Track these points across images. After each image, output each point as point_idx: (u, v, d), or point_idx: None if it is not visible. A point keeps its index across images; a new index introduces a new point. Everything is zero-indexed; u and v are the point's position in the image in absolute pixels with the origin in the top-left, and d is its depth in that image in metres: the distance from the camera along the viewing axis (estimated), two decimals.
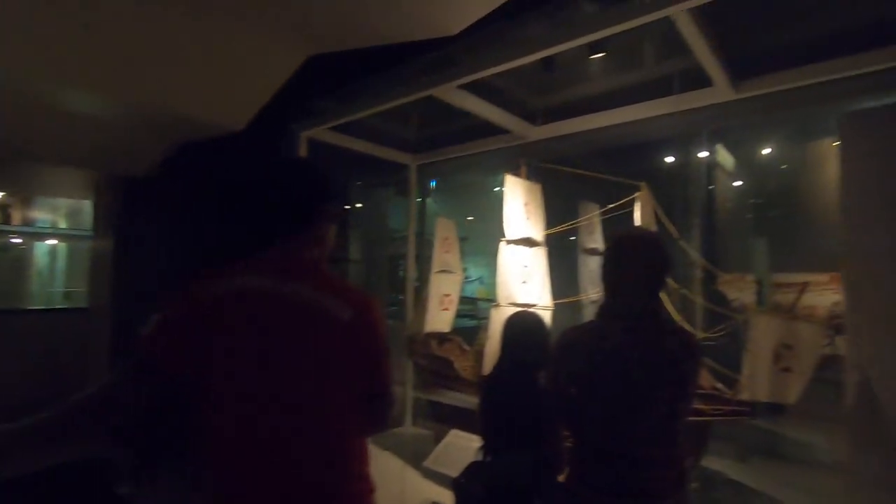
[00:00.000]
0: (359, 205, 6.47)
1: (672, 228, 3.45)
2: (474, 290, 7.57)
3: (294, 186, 1.49)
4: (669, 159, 4.65)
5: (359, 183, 6.29)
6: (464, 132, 4.63)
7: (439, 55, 2.97)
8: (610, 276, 1.72)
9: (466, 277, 7.55)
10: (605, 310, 1.74)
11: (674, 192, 4.71)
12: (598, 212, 3.64)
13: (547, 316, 3.63)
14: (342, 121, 3.91)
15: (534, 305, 3.61)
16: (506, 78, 3.86)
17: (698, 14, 2.54)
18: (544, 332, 2.12)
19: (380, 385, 1.40)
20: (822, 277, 3.53)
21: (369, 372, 1.37)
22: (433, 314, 4.10)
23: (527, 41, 2.62)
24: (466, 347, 3.95)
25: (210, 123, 4.21)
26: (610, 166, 4.20)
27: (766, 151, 6.31)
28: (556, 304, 3.78)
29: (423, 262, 5.12)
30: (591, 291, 4.15)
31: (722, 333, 3.05)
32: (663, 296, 3.43)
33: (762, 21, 3.22)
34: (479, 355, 3.63)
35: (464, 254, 7.59)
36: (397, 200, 6.10)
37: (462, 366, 3.81)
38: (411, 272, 4.86)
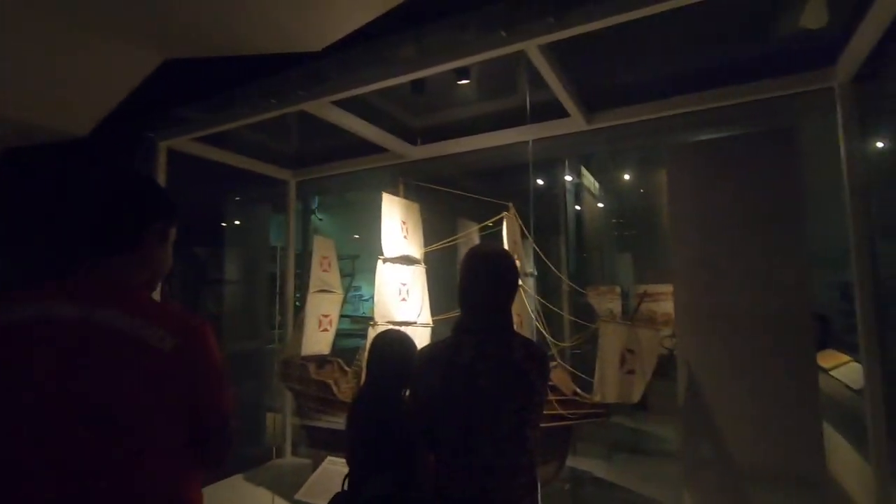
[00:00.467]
0: (237, 222, 6.07)
1: (535, 247, 3.71)
2: (367, 309, 7.45)
3: (117, 202, 1.34)
4: (540, 182, 5.01)
5: (237, 198, 5.91)
6: (344, 149, 4.58)
7: (309, 70, 2.92)
8: (462, 292, 1.78)
9: (360, 296, 7.41)
10: (459, 325, 1.79)
11: (545, 213, 5.09)
12: (473, 229, 3.80)
13: (426, 333, 3.67)
14: (209, 132, 3.65)
15: (412, 323, 3.63)
16: (383, 97, 3.91)
17: (548, 51, 2.80)
18: (409, 351, 2.13)
19: (215, 419, 1.29)
20: (666, 287, 4.03)
21: (201, 406, 1.25)
22: (311, 336, 3.94)
23: (393, 62, 2.68)
24: (347, 368, 3.85)
25: (47, 128, 3.68)
26: (486, 186, 4.42)
27: (626, 177, 7.09)
28: (436, 321, 3.84)
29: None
30: None
31: (579, 342, 3.31)
32: (527, 309, 3.67)
33: (611, 62, 3.63)
34: (358, 376, 3.56)
35: (356, 272, 7.48)
36: (280, 217, 5.83)
37: (343, 388, 3.70)
38: (290, 292, 4.65)
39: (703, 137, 3.71)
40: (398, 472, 1.92)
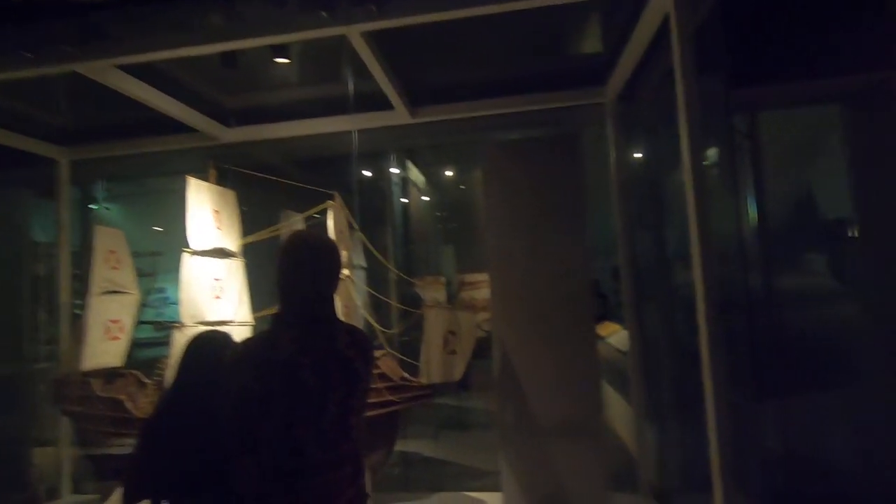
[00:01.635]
0: None
1: (363, 236, 3.71)
2: (175, 313, 6.50)
3: None
4: (367, 173, 5.01)
5: None
6: (139, 125, 3.91)
7: (83, 22, 2.39)
8: (280, 282, 1.67)
9: (165, 299, 6.42)
10: (280, 317, 1.68)
11: (372, 205, 5.11)
12: (297, 219, 3.60)
13: (246, 333, 3.37)
14: None
15: (229, 323, 3.30)
16: (189, 69, 3.44)
17: (372, 41, 2.80)
18: (224, 353, 1.92)
19: None
20: (483, 276, 4.41)
21: None
22: (95, 346, 3.28)
23: (196, 28, 2.37)
24: (146, 381, 3.31)
25: None
26: (312, 176, 4.24)
27: (449, 173, 7.52)
28: (259, 319, 3.56)
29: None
30: None
31: (405, 329, 3.42)
32: (355, 300, 3.66)
33: (435, 60, 3.79)
34: (161, 387, 3.09)
35: (160, 272, 6.44)
36: (48, 206, 4.72)
37: (141, 403, 3.16)
38: (65, 298, 3.81)
39: (510, 138, 4.15)
40: (211, 493, 1.72)
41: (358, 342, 1.75)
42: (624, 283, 3.66)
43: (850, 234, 3.55)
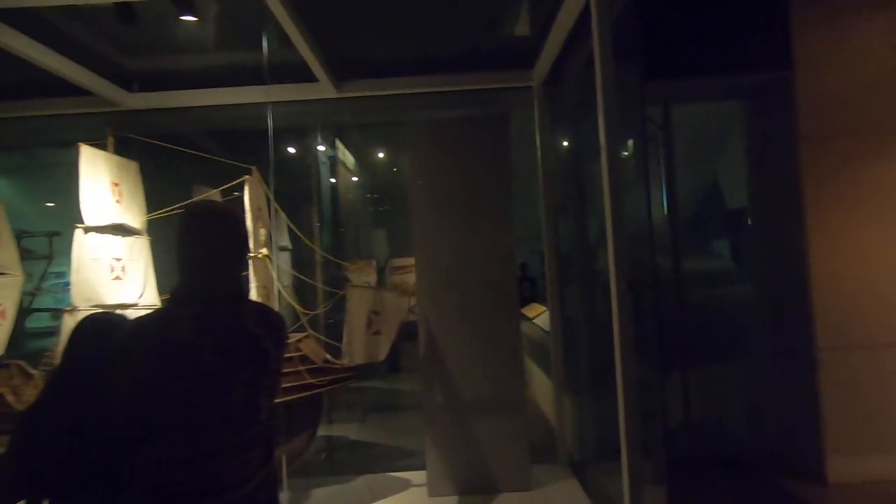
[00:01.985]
0: None
1: (289, 222, 3.54)
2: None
3: None
4: (291, 150, 4.78)
5: None
6: (23, 87, 3.46)
7: None
8: (180, 256, 1.53)
9: (63, 284, 5.80)
10: (178, 294, 1.54)
11: (297, 183, 4.89)
12: (210, 194, 3.36)
13: None
14: None
15: (133, 306, 3.03)
16: (83, 24, 3.07)
17: (292, 7, 2.63)
18: (115, 336, 1.74)
19: None
20: (411, 260, 4.37)
21: None
22: None
23: None
24: (32, 371, 2.97)
25: None
26: (229, 150, 3.97)
27: (380, 154, 7.37)
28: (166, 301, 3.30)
29: None
30: None
31: (327, 311, 3.33)
32: (275, 281, 3.50)
33: (362, 33, 3.65)
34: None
35: (56, 253, 5.79)
36: None
37: (25, 397, 2.84)
38: None
39: (439, 118, 4.10)
40: (98, 491, 1.58)
41: (268, 321, 1.65)
42: (547, 267, 3.78)
43: (748, 222, 3.90)
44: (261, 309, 1.69)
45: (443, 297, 3.20)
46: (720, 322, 3.83)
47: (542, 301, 6.19)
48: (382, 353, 3.05)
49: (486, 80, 3.68)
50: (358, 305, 2.96)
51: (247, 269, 2.70)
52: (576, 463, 3.61)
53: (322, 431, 3.62)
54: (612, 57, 2.16)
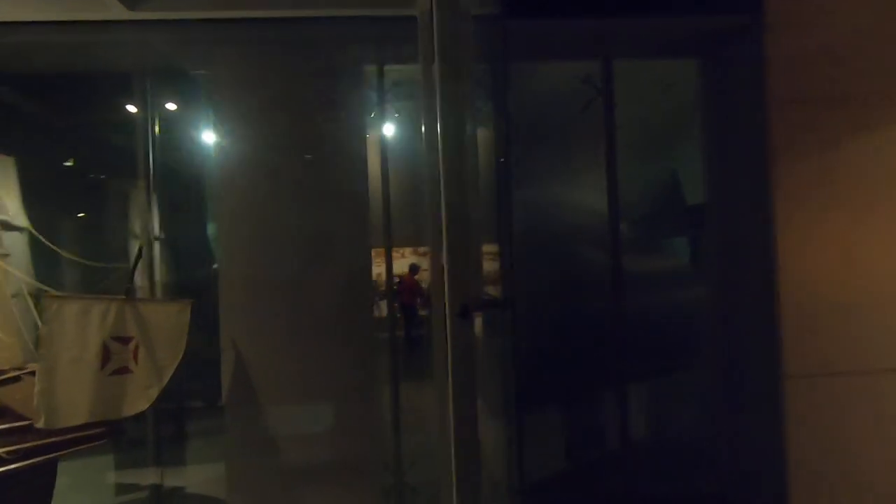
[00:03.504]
0: None
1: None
2: None
3: None
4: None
5: None
6: None
7: None
8: None
9: None
10: None
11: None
12: None
13: None
14: None
15: None
16: None
17: None
18: None
19: None
20: None
21: None
22: None
23: None
24: None
25: None
26: None
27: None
28: None
29: None
30: None
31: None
32: (5, 289, 2.34)
33: None
34: None
35: None
36: None
37: None
38: None
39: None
40: None
41: None
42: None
43: (705, 220, 3.34)
44: None
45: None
46: (671, 327, 3.22)
47: None
48: (138, 404, 1.96)
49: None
50: (64, 331, 1.82)
51: None
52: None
53: None
54: None
